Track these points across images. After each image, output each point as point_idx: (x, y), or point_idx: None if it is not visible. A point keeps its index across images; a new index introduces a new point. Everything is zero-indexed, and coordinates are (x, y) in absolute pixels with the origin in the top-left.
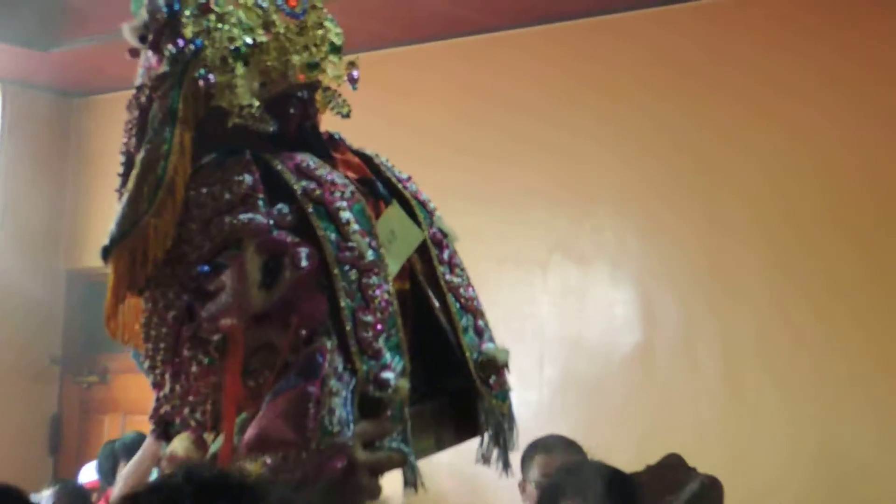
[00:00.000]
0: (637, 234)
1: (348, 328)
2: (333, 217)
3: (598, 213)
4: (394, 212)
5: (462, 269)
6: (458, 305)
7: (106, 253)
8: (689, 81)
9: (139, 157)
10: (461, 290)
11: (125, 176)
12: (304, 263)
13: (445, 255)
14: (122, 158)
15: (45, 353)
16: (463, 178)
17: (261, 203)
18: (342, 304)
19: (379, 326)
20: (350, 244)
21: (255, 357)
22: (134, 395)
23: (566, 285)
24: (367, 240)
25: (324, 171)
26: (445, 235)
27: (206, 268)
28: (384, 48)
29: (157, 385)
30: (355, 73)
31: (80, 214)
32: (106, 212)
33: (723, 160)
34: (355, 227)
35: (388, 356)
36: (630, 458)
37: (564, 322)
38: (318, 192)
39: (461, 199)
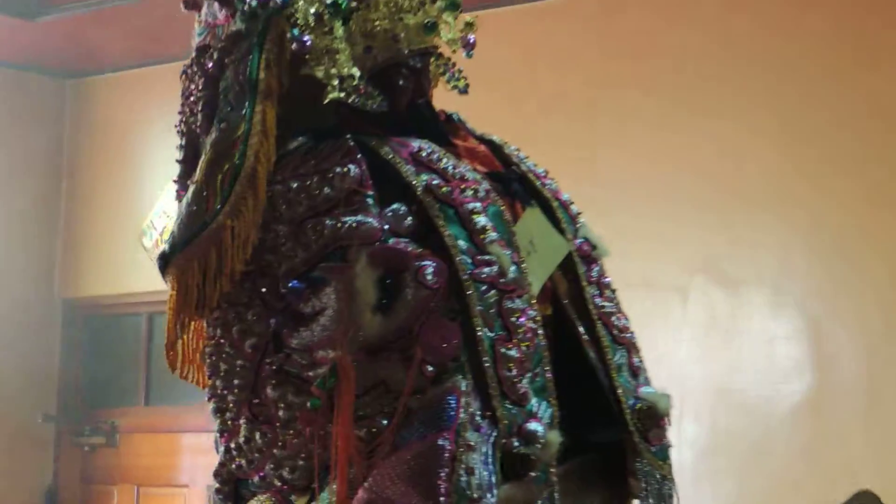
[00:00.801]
0: (805, 250)
1: (487, 364)
2: (465, 221)
3: (755, 223)
4: (533, 217)
5: (613, 292)
6: (609, 337)
7: (165, 262)
8: (871, 58)
9: (209, 138)
10: (613, 319)
11: (187, 163)
12: (430, 280)
13: (594, 273)
14: (179, 140)
15: (37, 408)
16: (573, 169)
17: (370, 202)
18: (479, 333)
19: (524, 363)
20: (488, 257)
21: (366, 399)
22: (149, 460)
23: (712, 316)
24: (508, 252)
25: (448, 161)
26: (594, 248)
27: (298, 283)
28: (502, 5)
29: (227, 433)
30: (471, 38)
31: (78, 230)
32: (110, 226)
33: None
34: (493, 235)
35: (534, 401)
36: None
37: (710, 363)
38: (444, 188)
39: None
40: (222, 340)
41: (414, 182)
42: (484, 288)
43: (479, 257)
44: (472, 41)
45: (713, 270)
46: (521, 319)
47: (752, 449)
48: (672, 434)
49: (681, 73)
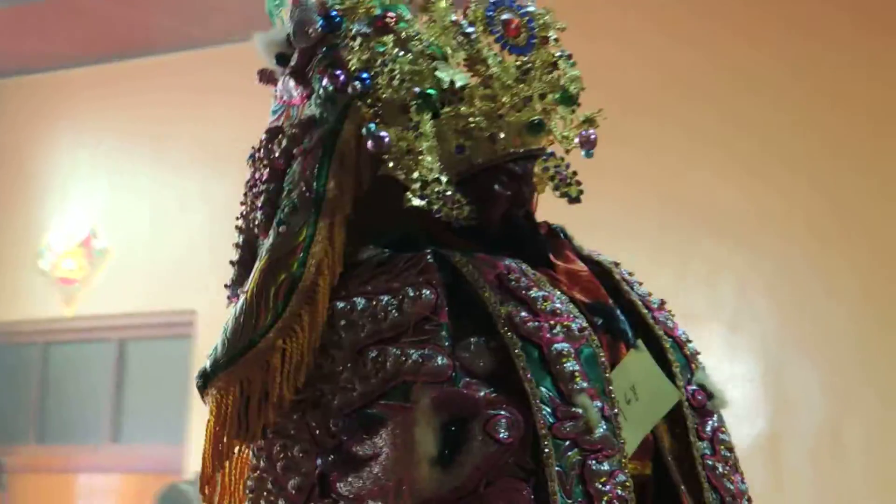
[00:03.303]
0: (765, 285)
1: None
2: (551, 365)
3: (711, 253)
4: (638, 360)
5: (730, 451)
6: (717, 500)
7: (205, 382)
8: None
9: (266, 242)
10: (725, 482)
11: (243, 266)
12: (502, 435)
13: (708, 428)
14: (237, 237)
15: None
16: None
17: (443, 333)
18: (555, 498)
19: None
20: (574, 409)
21: None
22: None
23: None
24: (599, 404)
25: (540, 290)
26: (710, 397)
27: (353, 421)
28: None
29: None
30: (593, 134)
31: None
32: (2, 248)
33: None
34: (582, 383)
35: None
36: None
37: None
38: (530, 323)
39: None
40: (265, 475)
41: (496, 312)
42: (566, 445)
43: (562, 409)
44: (593, 138)
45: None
46: (608, 486)
47: None
48: None
49: (629, 105)
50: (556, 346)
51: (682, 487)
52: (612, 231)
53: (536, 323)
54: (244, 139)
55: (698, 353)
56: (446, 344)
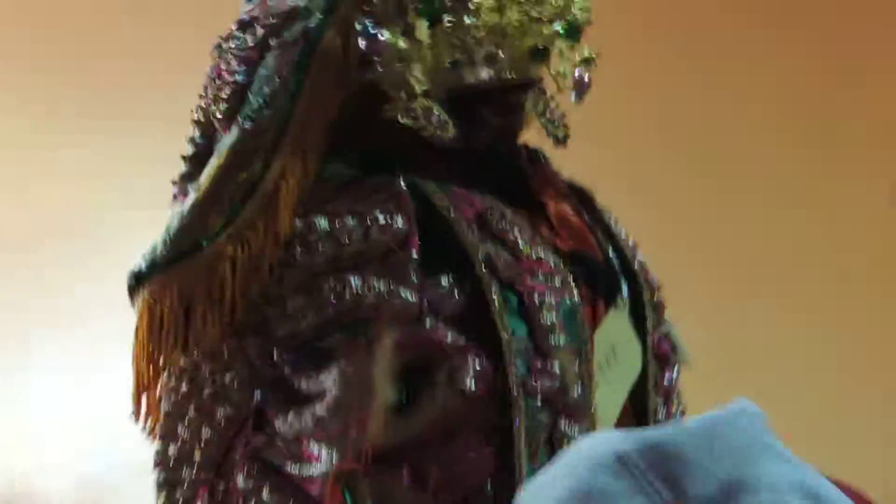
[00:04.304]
0: None
1: None
2: (530, 315)
3: None
4: (619, 319)
5: (680, 401)
6: None
7: (137, 282)
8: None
9: (227, 138)
10: None
11: (195, 161)
12: (469, 385)
13: (665, 381)
14: (192, 130)
15: None
16: None
17: (413, 268)
18: (521, 462)
19: None
20: (550, 367)
21: None
22: None
23: None
24: (577, 366)
25: (523, 234)
26: (674, 349)
27: (300, 353)
28: None
29: None
30: (586, 77)
31: None
32: None
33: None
34: (561, 339)
35: None
36: None
37: None
38: (512, 269)
39: None
40: (185, 401)
41: (474, 253)
42: (537, 405)
43: (539, 363)
44: (586, 81)
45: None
46: None
47: None
48: None
49: None
50: (537, 295)
51: None
52: None
53: (518, 268)
54: None
55: (664, 303)
56: (415, 280)
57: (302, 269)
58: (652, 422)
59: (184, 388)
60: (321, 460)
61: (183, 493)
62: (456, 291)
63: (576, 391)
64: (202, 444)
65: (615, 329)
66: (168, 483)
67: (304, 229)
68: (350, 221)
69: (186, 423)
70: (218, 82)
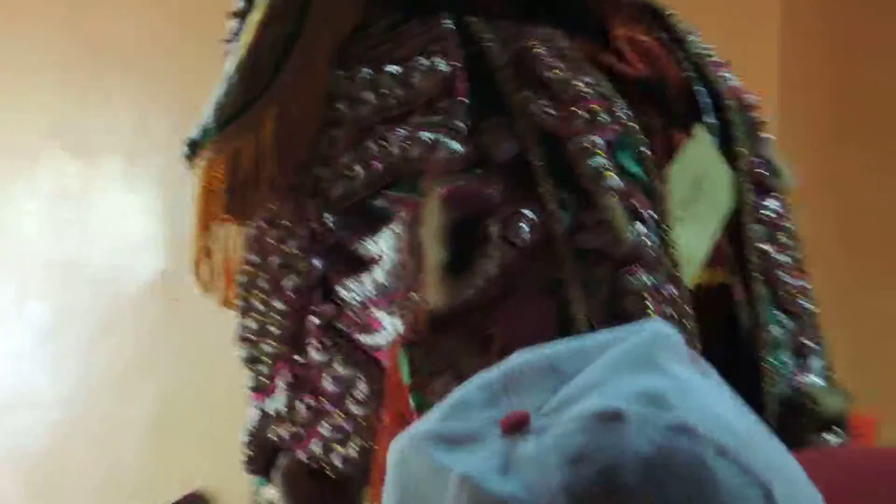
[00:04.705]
0: (166, 115)
1: None
2: (574, 161)
3: (114, 83)
4: (699, 147)
5: (791, 236)
6: (770, 299)
7: (193, 150)
8: None
9: None
10: (781, 274)
11: (242, 18)
12: (522, 236)
13: (768, 210)
14: None
15: None
16: None
17: (459, 113)
18: (579, 318)
19: None
20: (599, 214)
21: (432, 387)
22: None
23: (64, 187)
24: (636, 204)
25: (567, 71)
26: (774, 174)
27: (355, 214)
28: None
29: (262, 391)
30: None
31: None
32: None
33: None
34: (613, 181)
35: None
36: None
37: (58, 238)
38: (548, 112)
39: None
40: (258, 270)
41: (510, 99)
42: (592, 258)
43: (585, 214)
44: None
45: (66, 137)
46: (648, 302)
47: (99, 327)
48: (13, 317)
49: None
50: (579, 138)
51: (732, 278)
52: (19, 69)
53: (555, 112)
54: None
55: (765, 122)
56: (461, 126)
57: (349, 125)
58: (754, 255)
59: (254, 258)
60: (385, 328)
61: (266, 370)
62: (506, 135)
63: (632, 236)
64: (275, 317)
65: (697, 158)
66: (251, 360)
67: (349, 84)
68: (391, 69)
69: (259, 296)
70: None
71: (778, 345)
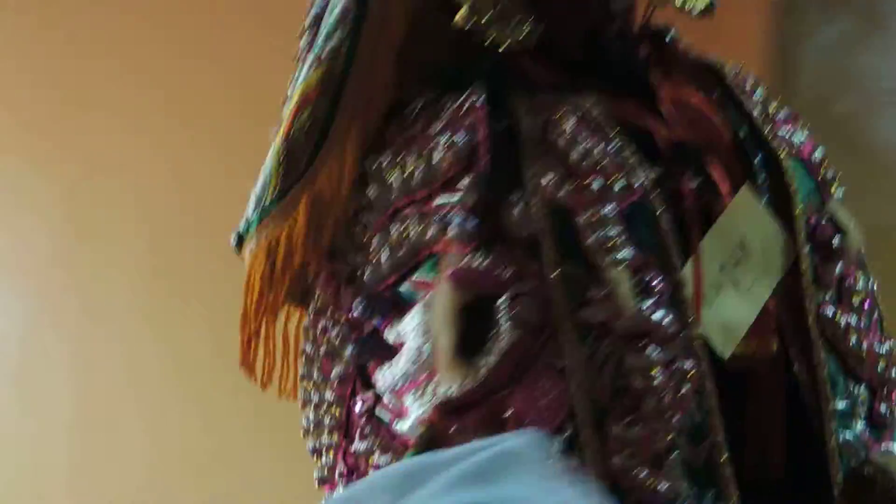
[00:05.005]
0: None
1: (592, 449)
2: (581, 234)
3: None
4: (746, 207)
5: (864, 299)
6: (834, 365)
7: (238, 243)
8: None
9: (301, 72)
10: (852, 339)
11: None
12: (527, 316)
13: (833, 271)
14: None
15: None
16: None
17: (476, 189)
18: (578, 395)
19: (654, 442)
20: (602, 288)
21: None
22: None
23: None
24: (646, 278)
25: (589, 141)
26: (841, 233)
27: (386, 300)
28: None
29: (328, 483)
30: None
31: None
32: None
33: None
34: (621, 253)
35: (685, 489)
36: None
37: None
38: (563, 188)
39: None
40: (312, 361)
41: (524, 174)
42: (594, 333)
43: (590, 291)
44: None
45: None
46: (659, 379)
47: None
48: None
49: None
50: (588, 210)
51: (793, 348)
52: None
53: (569, 185)
54: None
55: (835, 178)
56: (477, 203)
57: (379, 209)
58: (815, 322)
59: (308, 349)
60: (411, 415)
61: (328, 461)
62: (523, 211)
63: (637, 310)
64: (327, 408)
65: (741, 220)
66: (315, 452)
67: (378, 165)
68: (414, 148)
69: (314, 387)
70: (311, 13)
71: (846, 416)
